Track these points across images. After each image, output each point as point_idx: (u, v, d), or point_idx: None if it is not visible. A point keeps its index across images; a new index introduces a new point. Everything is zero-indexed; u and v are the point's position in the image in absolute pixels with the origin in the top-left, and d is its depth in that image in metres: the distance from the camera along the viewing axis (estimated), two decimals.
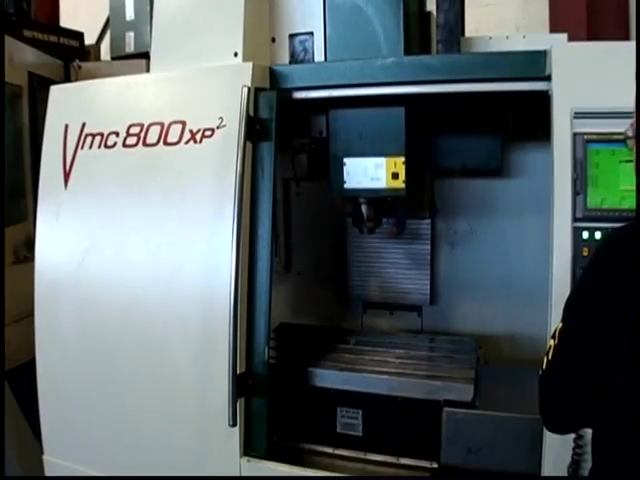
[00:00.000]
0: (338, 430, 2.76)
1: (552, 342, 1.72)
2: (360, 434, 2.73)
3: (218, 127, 2.57)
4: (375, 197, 2.86)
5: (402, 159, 2.71)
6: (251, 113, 2.53)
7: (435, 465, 2.58)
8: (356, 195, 2.89)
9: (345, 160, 2.78)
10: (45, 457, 3.00)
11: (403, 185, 2.72)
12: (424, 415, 2.60)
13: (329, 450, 2.76)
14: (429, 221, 3.30)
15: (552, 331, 1.76)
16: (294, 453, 2.73)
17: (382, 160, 2.73)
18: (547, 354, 1.74)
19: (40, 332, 2.94)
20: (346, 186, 2.80)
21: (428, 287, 3.34)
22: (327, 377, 2.78)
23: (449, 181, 3.29)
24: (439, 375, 2.70)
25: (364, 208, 2.94)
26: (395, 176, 2.71)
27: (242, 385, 2.47)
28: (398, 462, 2.67)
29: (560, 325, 1.71)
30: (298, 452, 2.76)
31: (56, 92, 3.02)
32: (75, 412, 2.89)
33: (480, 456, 2.46)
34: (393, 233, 3.26)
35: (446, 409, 2.53)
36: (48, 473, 3.01)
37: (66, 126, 2.90)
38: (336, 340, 3.16)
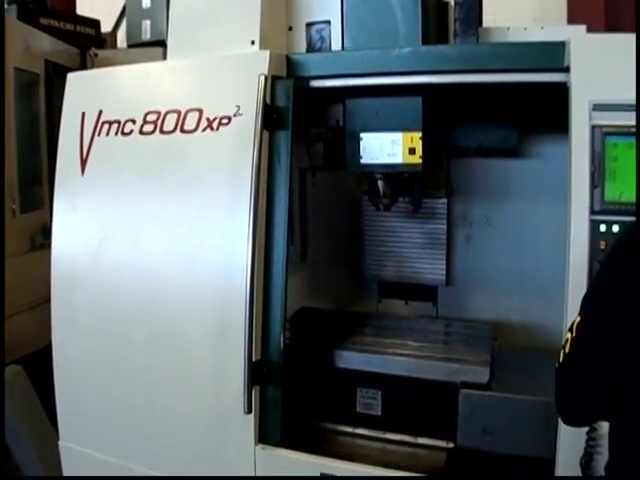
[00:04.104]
0: (358, 410, 2.82)
1: (569, 335, 1.70)
2: (379, 414, 2.79)
3: (235, 115, 2.56)
4: (391, 173, 2.84)
5: (419, 134, 2.68)
6: (268, 101, 2.52)
7: (451, 445, 2.64)
8: (372, 171, 2.87)
9: (361, 135, 2.76)
10: (61, 442, 3.02)
11: (420, 160, 2.69)
12: (441, 396, 2.65)
13: (349, 429, 2.83)
14: (445, 200, 3.30)
15: (569, 324, 1.75)
16: (315, 432, 2.81)
17: (399, 135, 2.70)
18: (564, 347, 1.72)
19: (56, 320, 2.95)
20: (362, 161, 2.77)
21: (444, 267, 3.34)
22: (348, 358, 2.84)
23: (465, 161, 3.28)
24: (456, 358, 2.75)
25: (380, 184, 2.92)
26: (412, 151, 2.69)
27: (257, 373, 2.48)
28: (416, 441, 2.74)
29: (578, 318, 1.69)
30: (319, 431, 2.82)
31: (73, 80, 3.01)
32: (91, 399, 2.90)
33: (495, 437, 2.50)
34: (409, 211, 3.26)
35: (463, 391, 2.57)
36: (64, 459, 3.03)
37: (83, 113, 2.89)
38: (355, 324, 3.20)
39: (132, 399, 2.80)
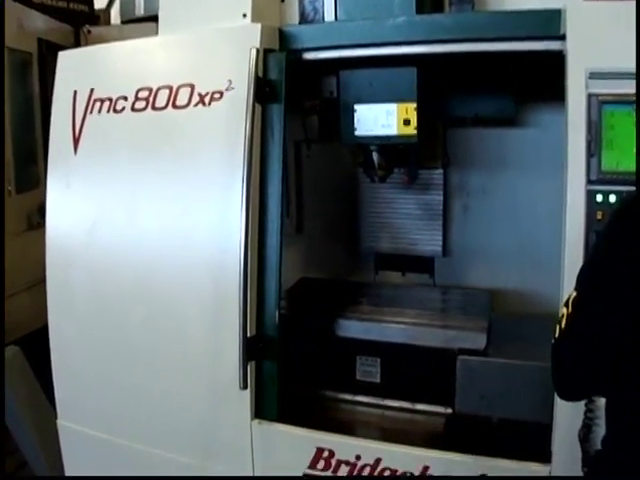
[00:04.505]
0: (357, 377, 2.89)
1: (565, 310, 1.68)
2: (378, 381, 2.86)
3: (227, 89, 2.53)
4: (386, 144, 2.82)
5: (414, 105, 2.65)
6: (260, 75, 2.49)
7: (449, 411, 2.69)
8: (367, 143, 2.85)
9: (356, 107, 2.73)
10: (59, 421, 3.04)
11: (415, 132, 2.66)
12: (439, 363, 2.69)
13: (349, 397, 2.90)
14: (441, 171, 3.27)
15: (565, 299, 1.73)
16: (316, 400, 2.89)
17: (393, 106, 2.67)
18: (560, 323, 1.70)
19: (52, 299, 2.95)
20: (357, 133, 2.75)
21: (441, 238, 3.33)
22: (347, 327, 2.91)
23: (462, 131, 3.25)
24: (453, 325, 2.82)
25: (375, 156, 2.91)
26: (406, 122, 2.66)
27: (253, 348, 2.48)
28: (414, 408, 2.81)
29: (574, 293, 1.67)
30: (320, 399, 2.91)
31: (64, 58, 2.98)
32: (88, 378, 2.91)
33: (493, 403, 2.52)
34: (405, 182, 3.25)
35: (460, 357, 2.58)
36: (63, 438, 3.04)
37: (75, 92, 2.86)
38: (354, 293, 3.25)
39: (129, 377, 2.80)
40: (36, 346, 3.21)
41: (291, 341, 2.70)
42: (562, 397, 1.85)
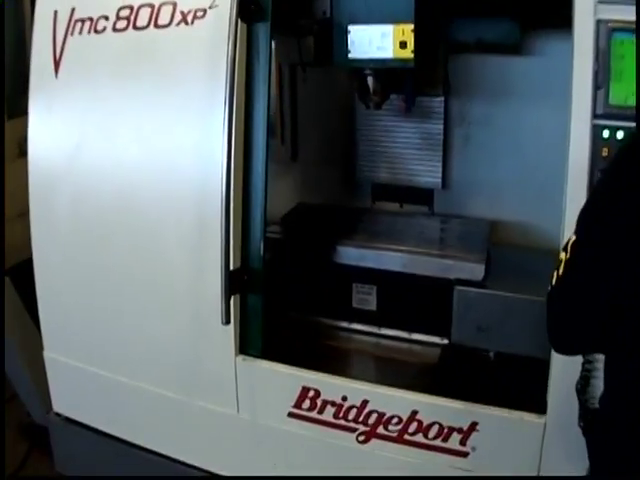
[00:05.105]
0: (353, 305, 2.90)
1: (563, 255, 1.56)
2: (374, 309, 2.87)
3: (210, 7, 2.39)
4: (382, 68, 2.67)
5: (411, 27, 2.47)
6: None
7: (446, 341, 2.70)
8: (361, 66, 2.70)
9: (349, 28, 2.56)
10: (45, 353, 3.03)
11: (411, 55, 2.49)
12: (436, 293, 2.65)
13: (345, 324, 2.92)
14: (442, 99, 3.13)
15: (563, 243, 1.61)
16: (311, 327, 2.93)
17: (389, 28, 2.49)
18: (557, 269, 1.58)
19: (36, 226, 2.90)
20: (350, 56, 2.58)
21: (440, 170, 3.21)
22: (344, 254, 2.87)
23: (465, 57, 3.09)
24: (451, 254, 2.75)
25: (370, 80, 2.76)
26: (403, 45, 2.48)
27: (236, 281, 2.41)
28: (410, 337, 2.83)
29: (573, 237, 1.54)
30: (316, 326, 2.94)
31: None
32: (73, 309, 2.88)
33: (489, 335, 2.50)
34: (401, 109, 3.12)
35: (457, 287, 2.54)
36: (49, 369, 3.04)
37: (55, 12, 2.74)
38: (352, 220, 3.20)
39: (112, 310, 2.77)
40: (25, 276, 3.16)
41: (287, 267, 2.70)
42: (558, 351, 1.76)
